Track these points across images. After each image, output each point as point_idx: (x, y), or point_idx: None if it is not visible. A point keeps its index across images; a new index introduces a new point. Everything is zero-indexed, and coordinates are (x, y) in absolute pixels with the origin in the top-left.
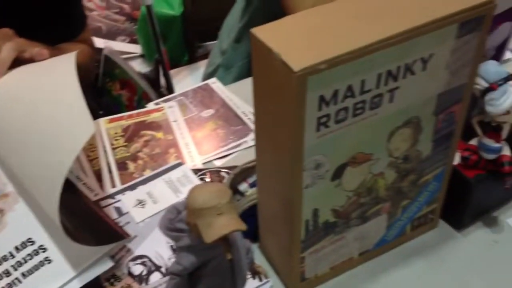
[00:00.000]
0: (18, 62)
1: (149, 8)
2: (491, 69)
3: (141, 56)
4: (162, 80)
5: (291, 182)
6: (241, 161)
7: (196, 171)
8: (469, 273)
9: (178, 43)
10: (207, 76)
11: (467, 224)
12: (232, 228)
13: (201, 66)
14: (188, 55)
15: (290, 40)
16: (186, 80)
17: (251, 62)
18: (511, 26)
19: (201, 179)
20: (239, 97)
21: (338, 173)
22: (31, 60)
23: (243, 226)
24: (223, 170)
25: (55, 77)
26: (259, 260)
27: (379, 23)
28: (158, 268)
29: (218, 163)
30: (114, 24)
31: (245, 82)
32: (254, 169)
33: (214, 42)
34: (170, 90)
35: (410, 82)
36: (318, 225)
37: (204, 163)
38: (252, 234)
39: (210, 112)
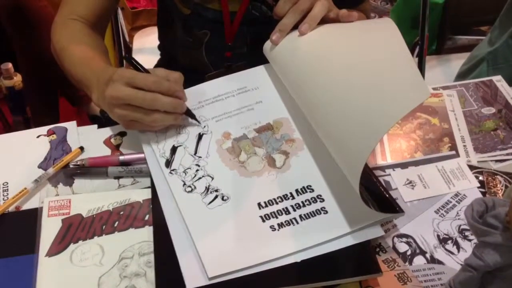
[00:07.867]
0: (321, 20)
1: None
2: None
3: None
4: None
5: None
6: None
7: (470, 167)
8: None
9: (430, 31)
10: (465, 70)
11: None
12: None
13: (452, 59)
14: (436, 45)
15: None
16: (434, 70)
17: None
18: None
19: (476, 177)
20: None
21: None
22: (334, 20)
23: None
24: (500, 174)
25: (381, 39)
26: None
27: None
28: (422, 252)
29: (495, 165)
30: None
31: None
32: None
33: (465, 37)
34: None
35: None
36: None
37: (479, 162)
38: None
39: (491, 110)
